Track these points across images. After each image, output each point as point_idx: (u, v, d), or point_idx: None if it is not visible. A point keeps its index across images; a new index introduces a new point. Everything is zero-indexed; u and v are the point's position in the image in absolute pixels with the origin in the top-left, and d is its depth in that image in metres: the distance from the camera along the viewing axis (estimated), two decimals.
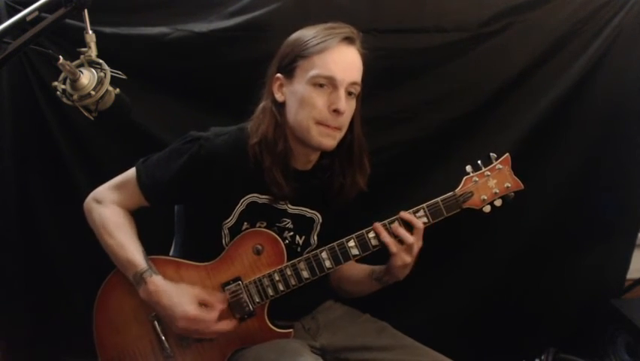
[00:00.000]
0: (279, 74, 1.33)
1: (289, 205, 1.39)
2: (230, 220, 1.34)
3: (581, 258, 1.96)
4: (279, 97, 1.34)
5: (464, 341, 1.98)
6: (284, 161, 1.33)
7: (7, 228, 1.78)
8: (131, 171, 1.37)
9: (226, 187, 1.32)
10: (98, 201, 1.37)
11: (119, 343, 1.35)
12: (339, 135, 1.33)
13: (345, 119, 1.31)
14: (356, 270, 1.49)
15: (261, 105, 1.37)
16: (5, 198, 1.76)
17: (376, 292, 1.61)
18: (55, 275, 1.84)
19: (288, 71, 1.31)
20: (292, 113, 1.32)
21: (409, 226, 1.31)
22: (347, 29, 1.31)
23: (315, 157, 1.40)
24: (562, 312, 2.00)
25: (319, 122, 1.28)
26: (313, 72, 1.27)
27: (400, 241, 1.30)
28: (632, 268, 1.99)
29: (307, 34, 1.31)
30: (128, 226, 1.36)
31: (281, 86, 1.33)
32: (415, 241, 1.30)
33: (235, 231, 1.35)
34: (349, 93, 1.30)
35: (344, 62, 1.28)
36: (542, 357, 1.95)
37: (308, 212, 1.42)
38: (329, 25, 1.32)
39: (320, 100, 1.27)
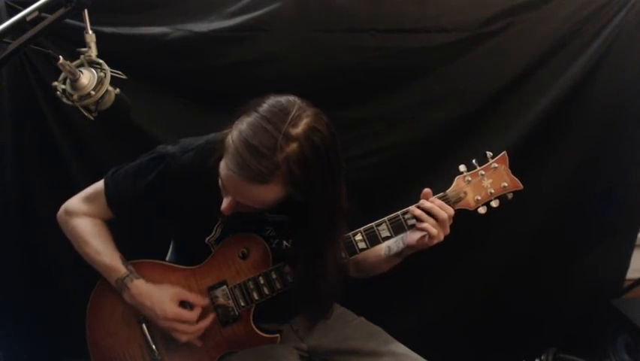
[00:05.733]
0: None
1: (267, 214, 1.31)
2: (214, 235, 1.31)
3: (581, 258, 1.96)
4: None
5: (464, 341, 1.99)
6: None
7: (7, 228, 1.78)
8: (101, 183, 1.33)
9: (200, 205, 1.25)
10: (70, 214, 1.34)
11: (110, 345, 1.35)
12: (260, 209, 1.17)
13: (250, 207, 1.12)
14: (370, 252, 1.33)
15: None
16: (5, 198, 1.76)
17: (376, 293, 1.61)
18: (55, 275, 1.84)
19: None
20: None
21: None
22: (253, 168, 1.01)
23: None
24: (562, 312, 2.01)
25: None
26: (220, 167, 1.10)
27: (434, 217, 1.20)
28: (632, 268, 1.99)
29: (239, 131, 1.04)
30: (104, 233, 1.33)
31: None
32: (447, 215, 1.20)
33: (221, 241, 1.32)
34: None
35: (236, 193, 1.10)
36: (542, 357, 1.95)
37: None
38: (246, 151, 1.02)
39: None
